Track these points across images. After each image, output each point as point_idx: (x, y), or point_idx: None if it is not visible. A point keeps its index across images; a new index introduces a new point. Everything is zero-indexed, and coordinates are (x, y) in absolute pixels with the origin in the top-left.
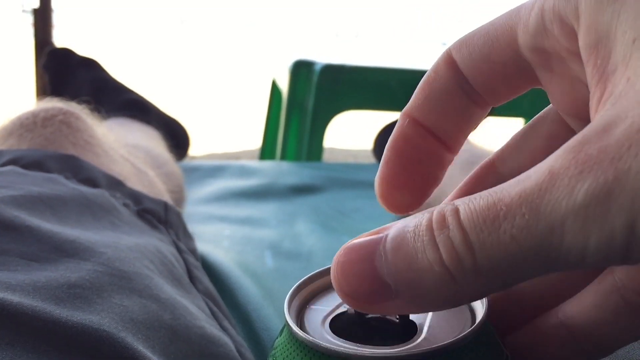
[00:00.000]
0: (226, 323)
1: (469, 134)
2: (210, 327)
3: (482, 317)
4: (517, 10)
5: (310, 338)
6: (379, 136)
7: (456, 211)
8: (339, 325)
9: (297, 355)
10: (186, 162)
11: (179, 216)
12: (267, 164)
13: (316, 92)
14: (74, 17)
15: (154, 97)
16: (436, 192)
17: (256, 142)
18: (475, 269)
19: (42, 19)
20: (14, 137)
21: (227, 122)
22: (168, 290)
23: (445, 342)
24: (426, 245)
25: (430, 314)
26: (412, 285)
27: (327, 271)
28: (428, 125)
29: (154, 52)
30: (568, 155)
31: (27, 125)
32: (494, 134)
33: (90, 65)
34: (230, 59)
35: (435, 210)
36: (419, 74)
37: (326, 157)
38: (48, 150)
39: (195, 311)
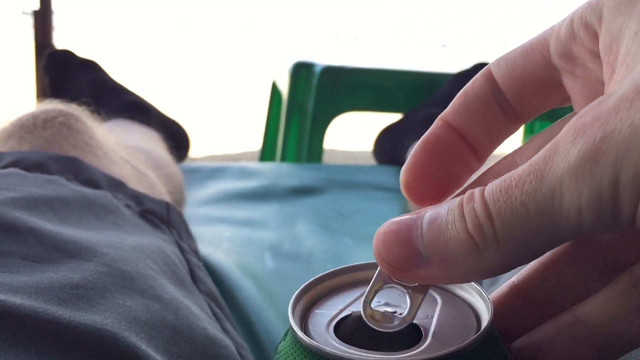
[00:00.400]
0: (227, 324)
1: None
2: (212, 328)
3: (488, 323)
4: (552, 26)
5: (315, 343)
6: (379, 138)
7: (483, 188)
8: (343, 330)
9: None
10: (186, 163)
11: (180, 216)
12: (267, 166)
13: (316, 94)
14: (74, 19)
15: (154, 98)
16: None
17: (256, 143)
18: (494, 237)
19: (43, 20)
20: (14, 138)
21: (227, 124)
22: (171, 290)
23: (450, 349)
24: (455, 217)
25: (435, 319)
26: (440, 252)
27: (329, 275)
28: (460, 129)
29: (154, 54)
30: (568, 126)
31: (27, 127)
32: None
33: (91, 67)
34: (230, 60)
35: (467, 191)
36: (419, 75)
37: (326, 158)
38: (49, 152)
39: (198, 312)
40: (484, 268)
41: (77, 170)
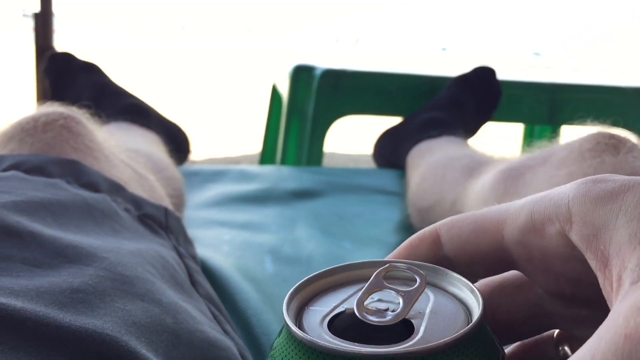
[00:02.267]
0: (228, 327)
1: None
2: (213, 331)
3: (478, 317)
4: (507, 208)
5: (309, 337)
6: (379, 141)
7: None
8: (337, 325)
9: (296, 354)
10: (186, 166)
11: (179, 221)
12: (267, 169)
13: (316, 97)
14: (75, 21)
15: (154, 101)
16: (436, 197)
17: (256, 146)
18: None
19: (43, 23)
20: (14, 141)
21: (228, 127)
22: (170, 294)
23: (440, 341)
24: None
25: (426, 315)
26: None
27: (325, 273)
28: None
29: (155, 57)
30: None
31: (28, 129)
32: (494, 139)
33: (91, 70)
34: (230, 64)
35: None
36: (419, 79)
37: (326, 161)
38: (50, 155)
39: (198, 315)
40: None
41: (77, 173)
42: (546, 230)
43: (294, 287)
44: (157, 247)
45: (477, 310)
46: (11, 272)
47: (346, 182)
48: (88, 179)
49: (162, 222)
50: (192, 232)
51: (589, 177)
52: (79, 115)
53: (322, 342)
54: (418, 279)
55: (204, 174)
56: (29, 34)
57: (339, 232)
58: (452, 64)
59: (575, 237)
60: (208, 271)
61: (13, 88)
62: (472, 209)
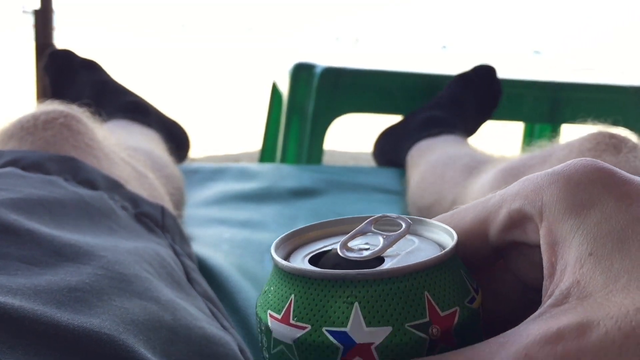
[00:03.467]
0: (226, 323)
1: None
2: (211, 327)
3: (449, 248)
4: (483, 206)
5: (284, 262)
6: (379, 139)
7: None
8: (322, 262)
9: (277, 279)
10: (186, 164)
11: (175, 220)
12: (267, 167)
13: (316, 95)
14: (75, 21)
15: (154, 99)
16: (436, 196)
17: (256, 145)
18: None
19: (43, 20)
20: (14, 139)
21: (228, 125)
22: (167, 293)
23: (402, 264)
24: None
25: (403, 253)
26: None
27: (321, 225)
28: None
29: (155, 55)
30: (546, 347)
31: (27, 128)
32: (494, 138)
33: (91, 67)
34: (230, 62)
35: None
36: (420, 77)
37: (326, 160)
38: (47, 151)
39: (195, 312)
40: None
41: (75, 170)
42: (526, 227)
43: (289, 231)
44: (153, 246)
45: (450, 245)
46: (9, 270)
47: (346, 180)
48: (85, 176)
49: (159, 221)
50: (192, 230)
51: (568, 174)
52: (79, 113)
53: (292, 265)
54: (403, 225)
55: (204, 172)
56: (29, 32)
57: None
58: (452, 63)
59: (541, 239)
60: (208, 270)
61: (13, 86)
62: None
